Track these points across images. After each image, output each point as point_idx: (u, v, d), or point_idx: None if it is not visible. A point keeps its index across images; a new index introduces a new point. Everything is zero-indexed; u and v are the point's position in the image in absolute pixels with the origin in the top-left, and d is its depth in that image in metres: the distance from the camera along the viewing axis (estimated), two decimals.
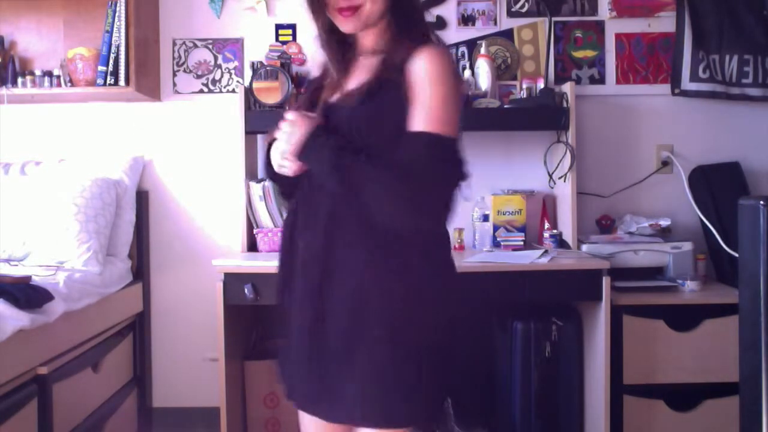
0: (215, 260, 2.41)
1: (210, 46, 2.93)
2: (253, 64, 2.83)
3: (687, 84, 2.86)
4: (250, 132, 2.73)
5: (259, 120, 2.68)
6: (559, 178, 2.78)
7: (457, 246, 2.76)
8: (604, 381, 2.37)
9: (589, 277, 2.35)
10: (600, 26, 2.92)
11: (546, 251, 2.55)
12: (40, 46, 2.86)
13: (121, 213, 2.74)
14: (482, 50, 2.82)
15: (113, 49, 2.68)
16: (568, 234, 2.70)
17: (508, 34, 2.92)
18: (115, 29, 2.68)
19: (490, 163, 2.91)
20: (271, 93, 2.71)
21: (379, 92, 1.35)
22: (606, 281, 2.34)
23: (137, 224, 2.83)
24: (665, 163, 2.92)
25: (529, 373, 2.52)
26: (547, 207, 2.84)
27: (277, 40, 2.91)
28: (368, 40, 1.45)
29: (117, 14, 2.68)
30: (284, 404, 2.62)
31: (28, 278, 2.07)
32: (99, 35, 2.73)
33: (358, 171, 1.30)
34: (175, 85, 2.94)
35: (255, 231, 2.69)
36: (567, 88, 2.70)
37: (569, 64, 2.92)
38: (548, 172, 2.86)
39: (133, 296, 2.78)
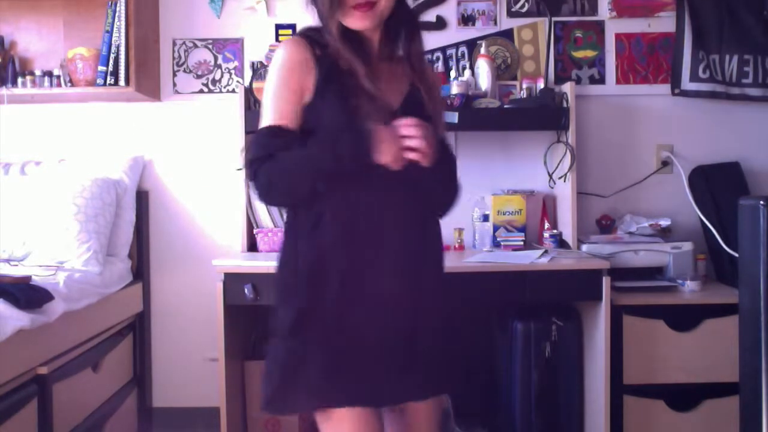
0: (215, 260, 2.41)
1: (210, 46, 2.93)
2: (253, 64, 2.83)
3: (687, 84, 2.86)
4: (250, 132, 2.72)
5: (259, 120, 2.68)
6: (559, 178, 2.78)
7: (457, 246, 2.76)
8: (604, 381, 2.37)
9: (589, 277, 2.35)
10: (600, 26, 2.92)
11: (546, 251, 2.55)
12: (40, 46, 2.86)
13: (121, 213, 2.74)
14: (482, 50, 2.82)
15: (113, 49, 2.68)
16: (568, 234, 2.70)
17: (508, 34, 2.92)
18: (115, 29, 2.68)
19: (490, 163, 2.91)
20: None
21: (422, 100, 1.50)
22: (606, 281, 2.34)
23: (137, 224, 2.83)
24: (665, 163, 2.91)
25: (529, 373, 2.51)
26: (547, 207, 2.84)
27: (277, 40, 2.91)
28: (375, 39, 1.48)
29: (117, 14, 2.68)
30: None
31: (28, 278, 2.07)
32: (99, 35, 2.73)
33: (452, 168, 1.57)
34: (175, 85, 2.94)
35: (255, 231, 2.69)
36: (567, 88, 2.70)
37: (569, 64, 2.92)
38: (548, 172, 2.86)
39: (133, 296, 2.78)
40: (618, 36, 2.92)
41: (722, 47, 2.86)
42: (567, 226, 2.72)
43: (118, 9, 2.68)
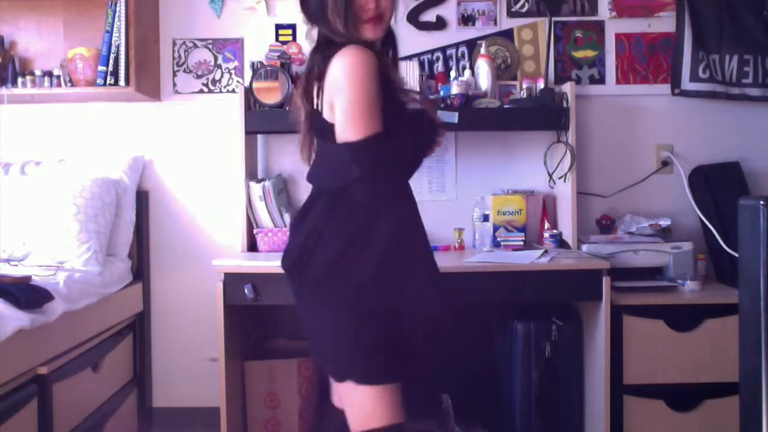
0: (215, 260, 2.41)
1: (210, 46, 2.93)
2: (253, 64, 2.83)
3: (687, 84, 2.86)
4: (250, 132, 2.73)
5: (259, 120, 2.68)
6: (559, 178, 2.78)
7: (457, 246, 2.76)
8: (604, 381, 2.37)
9: (589, 277, 2.35)
10: (600, 26, 2.92)
11: (546, 251, 2.55)
12: (40, 46, 2.86)
13: (121, 213, 2.74)
14: (482, 50, 2.82)
15: (113, 49, 2.68)
16: (568, 234, 2.70)
17: (508, 34, 2.92)
18: (115, 29, 2.68)
19: (490, 163, 2.91)
20: (271, 93, 2.71)
21: None
22: (606, 281, 2.34)
23: (137, 224, 2.83)
24: (665, 163, 2.92)
25: (529, 373, 2.52)
26: (547, 207, 2.84)
27: (277, 40, 2.91)
28: (377, 44, 1.66)
29: (117, 14, 2.68)
30: (284, 404, 2.62)
31: (28, 278, 2.07)
32: (99, 35, 2.73)
33: None
34: (175, 85, 2.94)
35: (255, 231, 2.69)
36: (567, 88, 2.70)
37: (569, 64, 2.92)
38: (548, 172, 2.86)
39: (133, 296, 2.78)
40: (618, 36, 2.92)
41: (722, 47, 2.86)
42: (567, 226, 2.72)
43: (118, 9, 2.68)
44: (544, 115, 2.68)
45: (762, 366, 1.88)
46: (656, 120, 2.92)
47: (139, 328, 2.85)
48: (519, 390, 2.53)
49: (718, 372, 2.41)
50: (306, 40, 1.72)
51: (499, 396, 2.63)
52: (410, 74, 2.76)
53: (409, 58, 2.86)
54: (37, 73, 2.76)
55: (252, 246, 2.72)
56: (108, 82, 2.68)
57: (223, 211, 2.92)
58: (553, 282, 2.34)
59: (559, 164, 2.78)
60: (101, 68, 2.69)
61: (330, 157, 1.63)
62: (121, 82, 2.68)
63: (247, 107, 2.71)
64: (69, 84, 2.74)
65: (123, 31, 2.67)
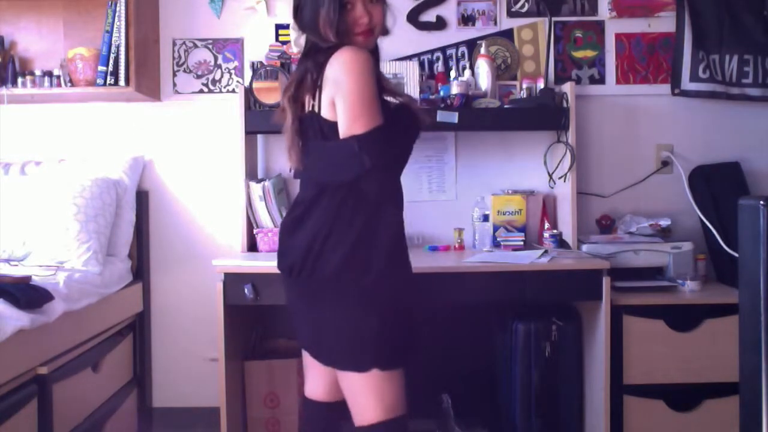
0: (215, 260, 2.41)
1: (210, 46, 2.93)
2: (253, 64, 2.83)
3: (687, 84, 2.86)
4: (250, 132, 2.73)
5: (259, 120, 2.68)
6: (559, 178, 2.78)
7: (457, 246, 2.76)
8: (604, 381, 2.37)
9: (589, 277, 2.35)
10: (600, 26, 2.92)
11: (546, 251, 2.55)
12: (40, 46, 2.86)
13: (121, 213, 2.74)
14: (482, 50, 2.82)
15: (113, 49, 2.68)
16: (568, 234, 2.70)
17: (508, 34, 2.92)
18: (115, 29, 2.68)
19: (490, 163, 2.91)
20: (271, 93, 2.71)
21: None
22: (606, 281, 2.34)
23: (137, 224, 2.83)
24: (665, 163, 2.92)
25: (529, 373, 2.52)
26: (547, 207, 2.84)
27: (277, 40, 2.91)
28: None
29: (117, 14, 2.68)
30: (284, 404, 2.62)
31: (28, 278, 2.07)
32: (99, 35, 2.73)
33: None
34: (175, 85, 2.94)
35: (255, 231, 2.69)
36: (567, 88, 2.70)
37: (569, 64, 2.92)
38: (548, 172, 2.86)
39: (133, 296, 2.78)
40: (618, 36, 2.92)
41: (722, 47, 2.86)
42: (567, 226, 2.72)
43: (118, 9, 2.68)
44: (544, 115, 2.68)
45: (762, 366, 1.88)
46: (656, 120, 2.92)
47: (139, 328, 2.85)
48: (519, 390, 2.53)
49: (718, 372, 2.41)
50: (294, 46, 1.76)
51: (499, 396, 2.63)
52: (410, 74, 2.76)
53: (409, 58, 2.86)
54: (37, 73, 2.76)
55: (252, 246, 2.72)
56: (108, 82, 2.68)
57: (223, 211, 2.92)
58: (553, 282, 2.34)
59: (559, 164, 2.78)
60: (101, 68, 2.69)
61: (332, 154, 1.65)
62: (121, 82, 2.68)
63: (247, 107, 2.71)
64: (69, 84, 2.74)
65: (123, 31, 2.67)
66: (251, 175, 2.80)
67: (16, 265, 2.47)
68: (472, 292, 2.33)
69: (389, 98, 1.76)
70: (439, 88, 2.73)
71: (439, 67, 2.90)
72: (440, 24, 2.91)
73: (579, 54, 2.93)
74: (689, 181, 2.84)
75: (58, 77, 2.75)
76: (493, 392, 2.69)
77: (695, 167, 2.86)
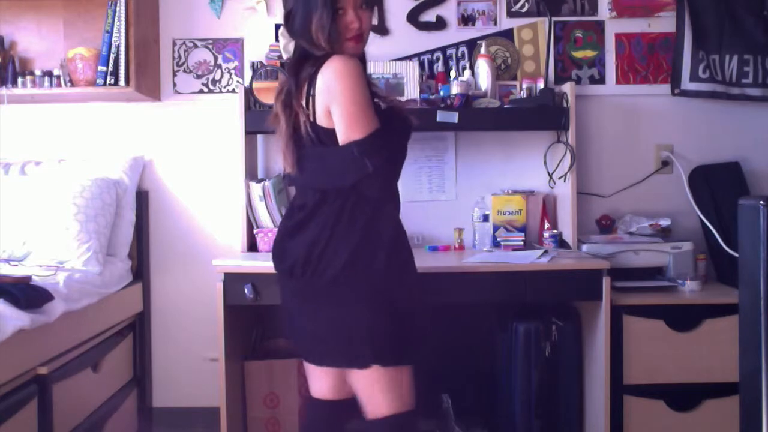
0: (215, 260, 2.41)
1: (210, 46, 2.93)
2: (253, 64, 2.83)
3: (687, 84, 2.86)
4: (250, 132, 2.73)
5: (259, 120, 2.68)
6: (559, 178, 2.78)
7: (457, 246, 2.76)
8: (604, 381, 2.37)
9: (589, 277, 2.35)
10: (600, 26, 2.92)
11: (546, 251, 2.55)
12: (40, 46, 2.86)
13: (121, 213, 2.74)
14: (482, 50, 2.82)
15: (113, 49, 2.68)
16: (568, 234, 2.70)
17: (508, 34, 2.92)
18: (115, 29, 2.68)
19: (490, 163, 2.91)
20: (271, 93, 2.69)
21: None
22: (606, 281, 2.34)
23: (137, 224, 2.83)
24: (665, 163, 2.92)
25: (529, 373, 2.52)
26: (547, 207, 2.84)
27: (277, 40, 2.90)
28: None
29: (117, 14, 2.68)
30: (284, 404, 2.62)
31: (28, 278, 2.07)
32: (99, 35, 2.73)
33: None
34: (175, 85, 2.94)
35: (255, 231, 2.69)
36: (567, 88, 2.70)
37: (569, 64, 2.92)
38: (548, 172, 2.86)
39: (133, 296, 2.78)
40: (618, 36, 2.92)
41: (722, 47, 2.86)
42: (567, 226, 2.72)
43: (118, 9, 2.68)
44: (544, 115, 2.68)
45: (762, 366, 1.88)
46: (656, 120, 2.92)
47: (139, 328, 2.85)
48: (519, 390, 2.53)
49: (718, 372, 2.41)
50: (283, 52, 1.78)
51: (499, 396, 2.63)
52: (410, 74, 2.76)
53: (409, 58, 2.86)
54: (37, 73, 2.76)
55: (252, 246, 2.72)
56: (108, 82, 2.68)
57: (223, 211, 2.92)
58: (553, 282, 2.34)
59: (559, 164, 2.78)
60: (101, 68, 2.69)
61: (333, 160, 1.68)
62: (121, 82, 2.68)
63: (247, 107, 2.71)
64: (69, 84, 2.74)
65: (123, 31, 2.67)
66: (251, 175, 2.80)
67: (16, 265, 2.47)
68: (472, 292, 2.33)
69: (379, 102, 1.78)
70: (439, 88, 2.73)
71: (439, 67, 2.90)
72: (440, 24, 2.91)
73: (579, 54, 2.93)
74: (689, 181, 2.84)
75: (58, 77, 2.75)
76: (493, 392, 2.69)
77: (695, 167, 2.86)
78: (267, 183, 2.68)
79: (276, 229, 2.63)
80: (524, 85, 2.80)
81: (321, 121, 1.67)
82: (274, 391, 2.62)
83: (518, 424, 2.54)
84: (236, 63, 2.93)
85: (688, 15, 2.83)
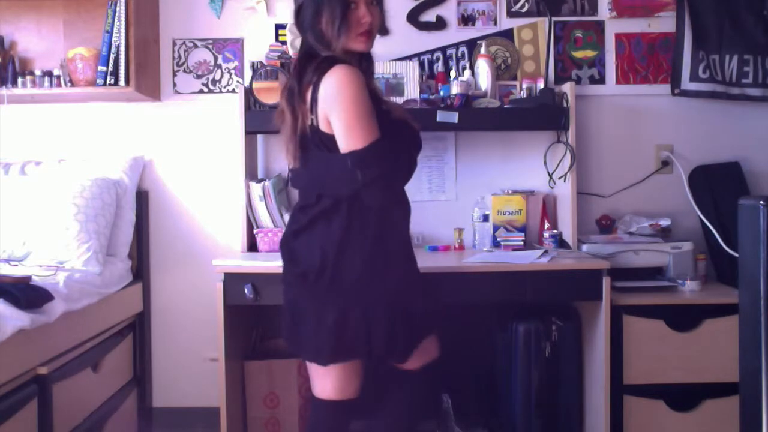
0: (215, 260, 2.41)
1: (210, 46, 2.93)
2: (253, 64, 2.83)
3: (687, 84, 2.86)
4: (250, 132, 2.73)
5: (259, 120, 2.68)
6: (559, 178, 2.78)
7: (457, 246, 2.76)
8: (604, 381, 2.37)
9: (589, 277, 2.35)
10: (600, 26, 2.92)
11: (546, 251, 2.55)
12: (40, 46, 2.86)
13: (121, 213, 2.74)
14: (482, 50, 2.82)
15: (113, 49, 2.68)
16: (568, 234, 2.70)
17: (508, 34, 2.92)
18: (115, 29, 2.68)
19: (490, 163, 2.91)
20: (271, 93, 2.70)
21: None
22: (606, 281, 2.34)
23: (137, 224, 2.83)
24: (665, 163, 2.92)
25: (529, 373, 2.52)
26: (547, 207, 2.84)
27: (277, 40, 2.91)
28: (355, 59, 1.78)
29: (117, 14, 2.68)
30: (284, 404, 2.62)
31: (28, 278, 2.06)
32: (99, 35, 2.73)
33: None
34: (175, 85, 2.94)
35: (255, 231, 2.69)
36: (567, 88, 2.70)
37: (569, 64, 2.92)
38: (548, 172, 2.86)
39: (133, 296, 2.77)
40: (618, 36, 2.92)
41: (722, 47, 2.86)
42: (567, 226, 2.72)
43: (118, 9, 2.68)
44: (544, 115, 2.68)
45: (762, 366, 1.88)
46: (656, 120, 2.92)
47: (139, 328, 2.85)
48: (519, 390, 2.53)
49: (718, 372, 2.41)
50: (290, 48, 1.79)
51: (499, 396, 2.63)
52: (410, 74, 2.76)
53: (409, 58, 2.86)
54: (37, 73, 2.76)
55: (252, 246, 2.72)
56: (108, 82, 2.68)
57: (223, 211, 2.92)
58: (553, 282, 2.34)
59: (559, 164, 2.78)
60: (101, 68, 2.69)
61: (333, 166, 1.71)
62: (121, 82, 2.68)
63: (247, 107, 2.71)
64: (69, 84, 2.74)
65: (123, 31, 2.67)
66: (251, 175, 2.80)
67: (16, 265, 2.47)
68: (472, 292, 2.33)
69: (389, 107, 1.83)
70: (439, 88, 2.73)
71: (439, 67, 2.90)
72: (440, 24, 2.91)
73: (579, 54, 2.93)
74: (689, 181, 2.84)
75: (58, 77, 2.75)
76: (493, 392, 2.69)
77: (695, 167, 2.86)
78: (267, 183, 2.68)
79: (275, 230, 2.65)
80: (524, 85, 2.80)
81: (323, 126, 1.70)
82: (274, 391, 2.62)
83: (518, 424, 2.54)
84: (236, 63, 2.93)
85: (688, 15, 2.84)
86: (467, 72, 2.80)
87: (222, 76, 2.93)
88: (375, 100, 1.74)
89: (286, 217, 2.69)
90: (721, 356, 2.39)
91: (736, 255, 2.17)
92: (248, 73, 2.86)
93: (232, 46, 2.93)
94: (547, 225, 2.77)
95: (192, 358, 2.90)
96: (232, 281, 2.32)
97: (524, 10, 2.92)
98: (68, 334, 2.19)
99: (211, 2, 2.91)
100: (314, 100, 1.69)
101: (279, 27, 2.91)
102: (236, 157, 2.73)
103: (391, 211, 1.77)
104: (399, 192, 1.83)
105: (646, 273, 2.61)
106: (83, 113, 2.93)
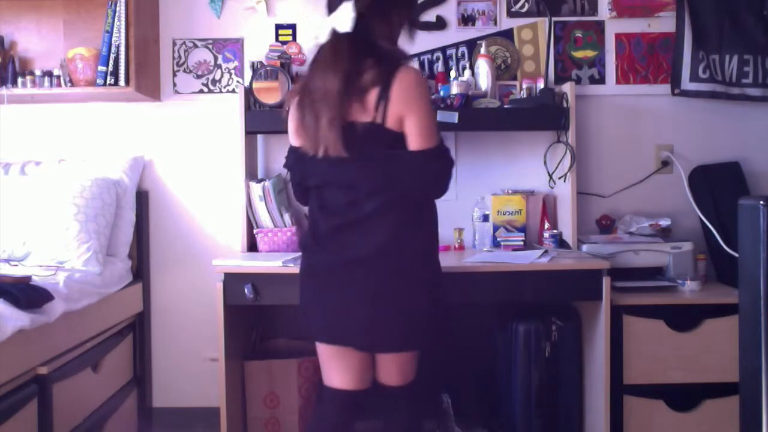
0: (215, 260, 2.41)
1: (210, 46, 2.93)
2: (253, 64, 2.83)
3: (687, 84, 2.86)
4: (250, 132, 2.73)
5: (259, 120, 2.68)
6: (559, 178, 2.78)
7: (457, 246, 2.76)
8: (604, 381, 2.37)
9: (589, 277, 2.35)
10: (600, 26, 2.92)
11: (546, 251, 2.55)
12: (40, 46, 2.86)
13: (121, 213, 2.74)
14: (482, 50, 2.82)
15: (113, 49, 2.68)
16: (568, 234, 2.70)
17: (508, 34, 2.92)
18: (115, 29, 2.68)
19: (490, 163, 2.91)
20: (271, 93, 2.71)
21: None
22: (606, 281, 2.34)
23: (137, 224, 2.83)
24: (665, 163, 2.92)
25: (529, 373, 2.52)
26: (547, 207, 2.84)
27: (277, 40, 2.91)
28: None
29: (117, 14, 2.68)
30: (284, 404, 2.62)
31: (28, 278, 2.06)
32: (99, 35, 2.73)
33: None
34: (175, 85, 2.94)
35: (255, 231, 2.69)
36: (567, 88, 2.70)
37: (569, 64, 2.92)
38: (548, 172, 2.86)
39: (133, 296, 2.77)
40: (618, 36, 2.92)
41: (722, 47, 2.86)
42: (567, 226, 2.72)
43: (118, 9, 2.68)
44: (544, 115, 2.68)
45: (762, 366, 1.88)
46: (656, 120, 2.92)
47: (139, 328, 2.85)
48: (519, 390, 2.53)
49: (718, 372, 2.41)
50: (322, 32, 1.87)
51: (499, 396, 2.63)
52: None
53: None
54: (37, 73, 2.76)
55: (252, 246, 2.72)
56: (108, 82, 2.68)
57: (223, 211, 2.92)
58: (553, 282, 2.34)
59: (559, 164, 2.78)
60: (101, 68, 2.69)
61: (406, 162, 1.78)
62: (121, 82, 2.68)
63: (247, 107, 2.71)
64: (69, 84, 2.74)
65: (123, 31, 2.67)
66: (251, 175, 2.80)
67: (16, 265, 2.47)
68: (472, 292, 2.33)
69: None
70: (439, 88, 2.73)
71: (439, 67, 2.90)
72: (440, 24, 2.91)
73: (579, 54, 2.93)
74: (689, 181, 2.84)
75: (58, 77, 2.75)
76: (493, 392, 2.69)
77: (695, 167, 2.86)
78: (267, 183, 2.68)
79: (275, 229, 2.65)
80: (524, 85, 2.80)
81: (390, 124, 1.74)
82: (274, 391, 2.62)
83: (518, 424, 2.54)
84: (236, 63, 2.93)
85: (688, 15, 2.84)
86: (467, 72, 2.80)
87: (222, 76, 2.93)
88: None
89: (286, 217, 2.69)
90: (721, 356, 2.39)
91: (736, 255, 2.17)
92: (248, 73, 2.86)
93: (232, 46, 2.93)
94: (547, 225, 2.77)
95: (192, 358, 2.90)
96: (232, 281, 2.32)
97: (524, 10, 2.92)
98: (68, 334, 2.19)
99: (211, 2, 2.91)
100: (384, 99, 1.72)
101: (279, 27, 2.91)
102: (236, 157, 2.73)
103: (433, 205, 1.92)
104: None
105: (646, 273, 2.61)
106: (83, 113, 2.93)
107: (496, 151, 2.91)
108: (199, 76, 2.94)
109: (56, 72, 2.75)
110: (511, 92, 2.84)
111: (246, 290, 2.30)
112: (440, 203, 2.90)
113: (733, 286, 2.50)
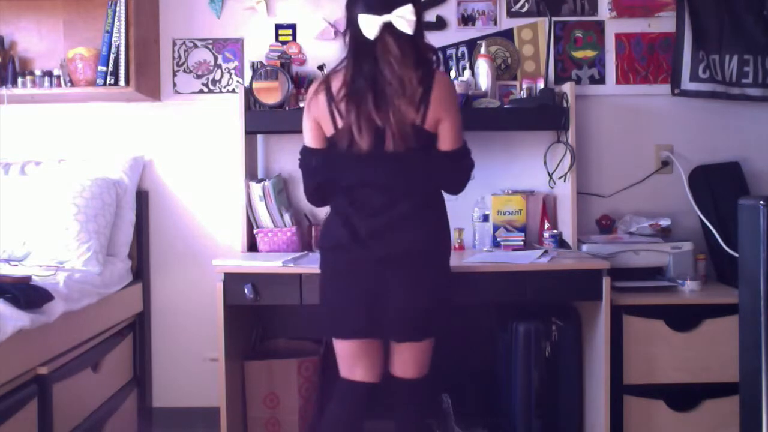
0: (215, 260, 2.41)
1: (210, 46, 2.93)
2: (253, 64, 2.83)
3: (687, 84, 2.86)
4: (250, 132, 2.73)
5: (259, 120, 2.68)
6: (559, 178, 2.78)
7: (457, 246, 2.76)
8: (604, 381, 2.37)
9: (589, 277, 2.35)
10: (600, 26, 2.92)
11: (546, 251, 2.55)
12: (40, 46, 2.86)
13: (121, 213, 2.74)
14: (482, 50, 2.82)
15: (113, 49, 2.68)
16: (568, 234, 2.70)
17: (508, 34, 2.92)
18: (115, 29, 2.68)
19: (490, 163, 2.90)
20: (271, 93, 2.71)
21: None
22: (606, 281, 2.34)
23: (137, 224, 2.83)
24: (665, 163, 2.92)
25: (529, 373, 2.51)
26: (547, 207, 2.84)
27: (277, 40, 2.91)
28: None
29: (117, 14, 2.68)
30: (284, 404, 2.62)
31: (28, 278, 2.07)
32: (99, 35, 2.73)
33: None
34: (175, 85, 2.94)
35: (255, 231, 2.69)
36: (567, 88, 2.70)
37: (569, 64, 2.92)
38: (548, 172, 2.86)
39: (133, 296, 2.78)
40: (618, 36, 2.92)
41: (722, 47, 2.86)
42: (567, 226, 2.72)
43: (118, 9, 2.68)
44: (544, 115, 2.68)
45: (762, 366, 1.88)
46: (656, 120, 2.92)
47: (139, 328, 2.85)
48: (519, 390, 2.53)
49: (718, 372, 2.41)
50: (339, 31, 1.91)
51: (499, 396, 2.63)
52: None
53: None
54: (37, 73, 2.76)
55: (252, 246, 2.72)
56: (108, 82, 2.68)
57: (223, 211, 2.92)
58: (553, 282, 2.34)
59: (559, 164, 2.78)
60: (101, 68, 2.69)
61: (442, 161, 1.93)
62: (121, 82, 2.68)
63: (247, 107, 2.71)
64: (69, 84, 2.74)
65: (123, 31, 2.67)
66: (251, 175, 2.80)
67: (16, 265, 2.47)
68: (472, 292, 2.33)
69: None
70: None
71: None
72: (440, 24, 2.91)
73: (579, 54, 2.93)
74: (689, 181, 2.84)
75: (58, 77, 2.75)
76: (493, 392, 2.69)
77: (695, 167, 2.86)
78: (267, 183, 2.68)
79: (275, 230, 2.65)
80: (524, 85, 2.80)
81: (428, 126, 1.86)
82: (274, 391, 2.62)
83: (518, 424, 2.54)
84: (236, 63, 2.93)
85: (688, 15, 2.83)
86: (467, 72, 2.80)
87: (222, 76, 2.93)
88: None
89: (286, 217, 2.69)
90: (721, 356, 2.39)
91: (736, 255, 2.17)
92: (248, 73, 2.86)
93: (232, 46, 2.93)
94: (547, 225, 2.77)
95: (192, 358, 2.90)
96: (232, 281, 2.32)
97: (524, 10, 2.92)
98: (68, 334, 2.19)
99: (211, 2, 2.91)
100: (425, 102, 1.83)
101: (279, 27, 2.91)
102: (236, 157, 2.73)
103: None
104: None
105: (646, 273, 2.61)
106: (83, 113, 2.93)
107: (496, 151, 2.91)
108: (199, 76, 2.94)
109: (56, 72, 2.75)
110: (511, 92, 2.84)
111: (246, 290, 2.30)
112: None
113: (733, 286, 2.49)
